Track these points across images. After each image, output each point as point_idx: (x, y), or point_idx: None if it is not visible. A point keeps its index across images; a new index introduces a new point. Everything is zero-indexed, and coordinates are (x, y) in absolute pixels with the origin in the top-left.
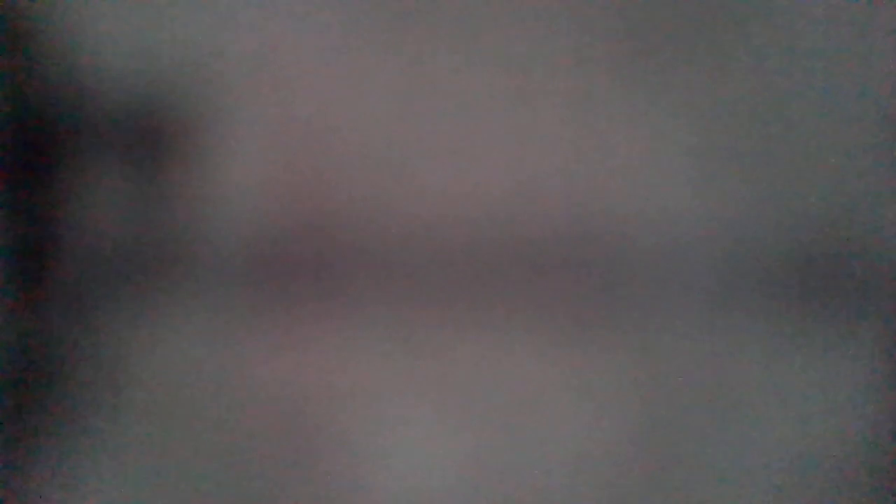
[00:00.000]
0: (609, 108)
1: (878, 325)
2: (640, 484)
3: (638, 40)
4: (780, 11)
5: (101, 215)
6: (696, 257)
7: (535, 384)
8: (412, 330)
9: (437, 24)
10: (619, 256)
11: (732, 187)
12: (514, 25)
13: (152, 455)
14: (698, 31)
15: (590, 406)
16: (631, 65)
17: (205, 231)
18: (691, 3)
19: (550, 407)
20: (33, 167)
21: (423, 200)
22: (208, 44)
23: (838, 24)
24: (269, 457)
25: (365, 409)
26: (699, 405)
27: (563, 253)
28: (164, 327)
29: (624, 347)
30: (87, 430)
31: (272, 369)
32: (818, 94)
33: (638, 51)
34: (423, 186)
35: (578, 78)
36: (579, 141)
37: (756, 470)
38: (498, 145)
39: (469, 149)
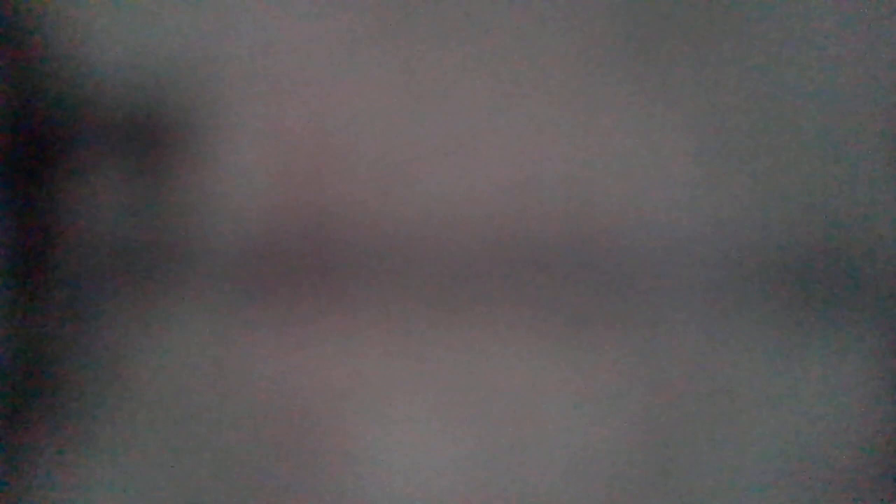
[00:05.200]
0: (609, 108)
1: (878, 325)
2: (640, 484)
3: (638, 40)
4: (780, 11)
5: (101, 215)
6: (696, 257)
7: (535, 384)
8: (412, 330)
9: (436, 24)
10: (619, 256)
11: (732, 187)
12: (514, 25)
13: (152, 455)
14: (698, 31)
15: (590, 406)
16: (631, 65)
17: (205, 231)
18: (691, 3)
19: (550, 407)
20: (33, 167)
21: (422, 200)
22: (208, 44)
23: (839, 24)
24: (269, 456)
25: (365, 408)
26: (699, 405)
27: (562, 253)
28: (164, 327)
29: (624, 347)
30: (87, 430)
31: (272, 369)
32: (818, 94)
33: (638, 51)
34: (422, 186)
35: (578, 78)
36: (579, 141)
37: (756, 470)
38: (497, 145)
39: (469, 149)
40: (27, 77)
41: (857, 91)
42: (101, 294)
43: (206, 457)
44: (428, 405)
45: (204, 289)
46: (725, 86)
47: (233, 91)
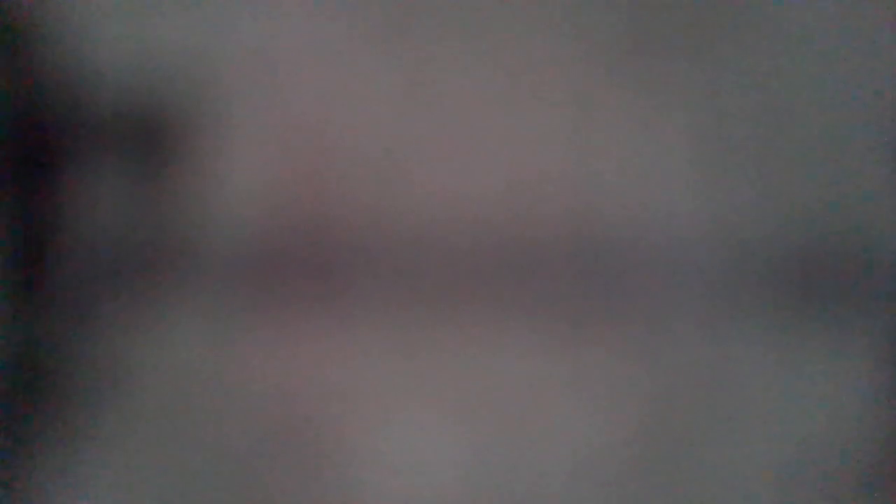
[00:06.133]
0: (609, 108)
1: (878, 326)
2: (640, 484)
3: (638, 40)
4: (780, 11)
5: (101, 215)
6: (697, 257)
7: (535, 384)
8: (412, 330)
9: (437, 24)
10: (619, 256)
11: (732, 187)
12: (514, 26)
13: (152, 455)
14: (698, 30)
15: (590, 406)
16: (631, 65)
17: (204, 231)
18: (691, 3)
19: (550, 407)
20: (33, 167)
21: (422, 200)
22: (208, 44)
23: (838, 24)
24: (269, 456)
25: (364, 409)
26: (699, 405)
27: (562, 253)
28: (164, 327)
29: (624, 347)
30: (88, 430)
31: (271, 369)
32: (818, 94)
33: (638, 51)
34: (422, 186)
35: (578, 78)
36: (579, 141)
37: (756, 470)
38: (498, 145)
39: (468, 149)
40: (27, 77)
41: (857, 91)
42: (101, 294)
43: (206, 457)
44: (428, 405)
45: (204, 289)
46: (726, 86)
47: (233, 91)
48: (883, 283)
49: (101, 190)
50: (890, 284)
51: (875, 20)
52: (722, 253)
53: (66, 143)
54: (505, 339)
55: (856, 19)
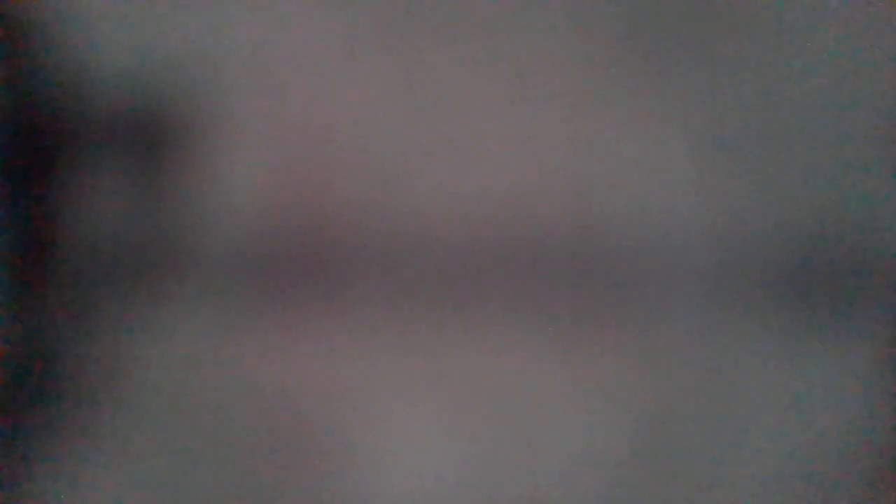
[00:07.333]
0: (609, 108)
1: (879, 325)
2: (640, 484)
3: (638, 40)
4: (780, 12)
5: (101, 215)
6: (697, 257)
7: (535, 384)
8: (411, 330)
9: (437, 25)
10: (620, 256)
11: (732, 187)
12: (514, 26)
13: (152, 455)
14: (698, 31)
15: (590, 406)
16: (631, 65)
17: (205, 231)
18: (691, 3)
19: (550, 407)
20: (33, 167)
21: (422, 200)
22: (207, 44)
23: (838, 24)
24: (269, 456)
25: (364, 408)
26: (699, 405)
27: (562, 253)
28: (164, 327)
29: (624, 347)
30: (87, 430)
31: (272, 369)
32: (818, 94)
33: (638, 51)
34: (422, 186)
35: (578, 78)
36: (579, 141)
37: (756, 470)
38: (498, 145)
39: (469, 149)
40: (27, 77)
41: (858, 91)
42: (101, 294)
43: (206, 456)
44: (428, 405)
45: (204, 289)
46: (726, 87)
47: (233, 91)
48: (883, 284)
49: (101, 190)
50: (890, 284)
51: (875, 20)
52: (722, 253)
53: (66, 143)
54: (505, 339)
55: (856, 19)
